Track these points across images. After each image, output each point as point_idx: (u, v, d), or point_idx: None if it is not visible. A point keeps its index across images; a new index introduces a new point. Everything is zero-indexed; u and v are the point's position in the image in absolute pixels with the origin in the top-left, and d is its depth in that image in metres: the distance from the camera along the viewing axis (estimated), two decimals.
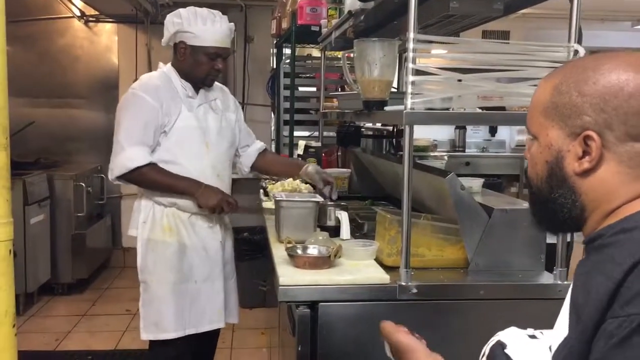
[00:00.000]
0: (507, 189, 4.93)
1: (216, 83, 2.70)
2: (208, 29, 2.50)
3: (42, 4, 5.61)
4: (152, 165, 2.47)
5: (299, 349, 1.80)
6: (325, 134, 4.07)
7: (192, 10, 2.52)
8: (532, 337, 1.04)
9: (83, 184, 5.03)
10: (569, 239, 1.85)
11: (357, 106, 2.37)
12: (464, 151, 6.06)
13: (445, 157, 4.57)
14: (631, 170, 0.90)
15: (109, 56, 5.76)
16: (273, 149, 5.17)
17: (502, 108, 2.03)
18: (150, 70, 4.02)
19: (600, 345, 0.80)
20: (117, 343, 4.03)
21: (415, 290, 1.81)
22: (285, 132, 4.58)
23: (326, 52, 3.90)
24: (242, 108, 5.47)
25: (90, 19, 5.68)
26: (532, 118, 1.00)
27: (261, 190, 3.25)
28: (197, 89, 2.61)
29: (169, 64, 2.62)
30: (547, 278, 1.93)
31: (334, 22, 3.06)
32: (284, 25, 4.43)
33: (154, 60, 5.34)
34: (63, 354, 3.89)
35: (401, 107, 1.81)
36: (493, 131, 6.21)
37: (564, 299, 0.93)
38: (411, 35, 1.75)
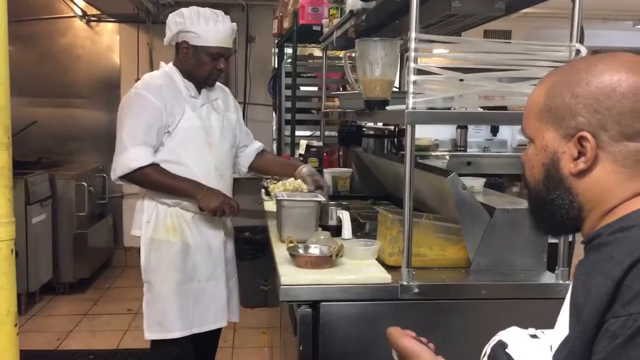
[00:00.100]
0: (509, 188, 4.92)
1: (217, 83, 2.70)
2: (211, 29, 2.50)
3: (44, 4, 5.62)
4: (154, 166, 2.47)
5: (301, 348, 1.80)
6: (326, 133, 4.07)
7: (195, 10, 2.52)
8: (534, 336, 1.04)
9: (85, 184, 5.04)
10: (570, 239, 1.85)
11: (359, 106, 2.37)
12: (465, 151, 6.05)
13: (447, 157, 4.56)
14: (626, 170, 0.91)
15: (110, 56, 5.77)
16: (275, 149, 5.17)
17: (504, 108, 2.03)
18: (151, 69, 4.01)
19: (603, 345, 0.80)
20: (118, 342, 4.04)
21: (416, 290, 1.81)
22: (287, 132, 4.58)
23: (328, 51, 3.90)
24: (244, 107, 5.51)
25: (92, 18, 5.68)
26: (527, 121, 1.01)
27: (263, 190, 3.25)
28: (199, 89, 2.61)
29: (171, 64, 2.62)
30: (549, 278, 1.93)
31: (336, 21, 3.06)
32: (286, 24, 4.43)
33: (155, 59, 5.34)
34: (65, 353, 3.89)
35: (403, 107, 1.81)
36: (495, 131, 6.19)
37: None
38: (413, 34, 1.75)
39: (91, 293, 5.08)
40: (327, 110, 3.78)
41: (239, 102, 2.92)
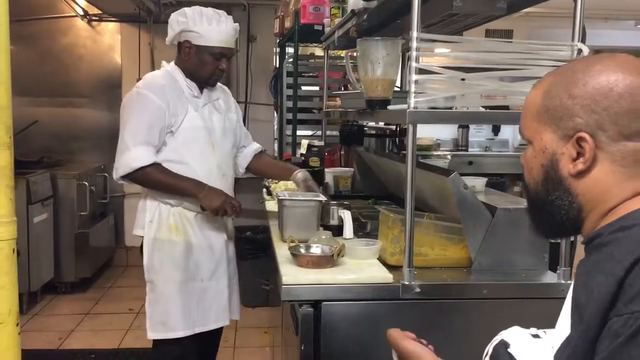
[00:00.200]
0: (510, 188, 4.91)
1: (218, 83, 2.70)
2: (213, 28, 2.49)
3: (45, 3, 5.62)
4: (156, 165, 2.46)
5: (302, 348, 1.80)
6: (328, 133, 4.08)
7: (198, 10, 2.51)
8: (536, 336, 1.04)
9: (86, 183, 5.04)
10: (572, 238, 1.85)
11: (360, 105, 2.37)
12: (466, 150, 6.04)
13: (448, 156, 4.55)
14: (625, 169, 0.91)
15: (112, 55, 5.77)
16: (276, 148, 5.17)
17: (506, 107, 2.03)
18: (153, 69, 4.01)
19: (605, 344, 0.80)
20: (120, 342, 4.04)
21: (418, 290, 1.81)
22: (288, 131, 4.58)
23: (329, 51, 3.90)
24: (245, 107, 5.51)
25: (93, 18, 5.69)
26: (525, 122, 1.01)
27: (264, 190, 3.25)
28: (201, 89, 2.61)
29: (173, 63, 2.61)
30: (550, 277, 1.92)
31: (337, 21, 3.06)
32: (287, 24, 4.43)
33: (156, 59, 5.35)
34: (66, 352, 3.90)
35: (404, 106, 1.81)
36: (496, 130, 6.18)
37: None
38: (414, 34, 1.74)
39: (93, 292, 5.08)
40: (329, 109, 3.78)
41: (241, 102, 2.92)
